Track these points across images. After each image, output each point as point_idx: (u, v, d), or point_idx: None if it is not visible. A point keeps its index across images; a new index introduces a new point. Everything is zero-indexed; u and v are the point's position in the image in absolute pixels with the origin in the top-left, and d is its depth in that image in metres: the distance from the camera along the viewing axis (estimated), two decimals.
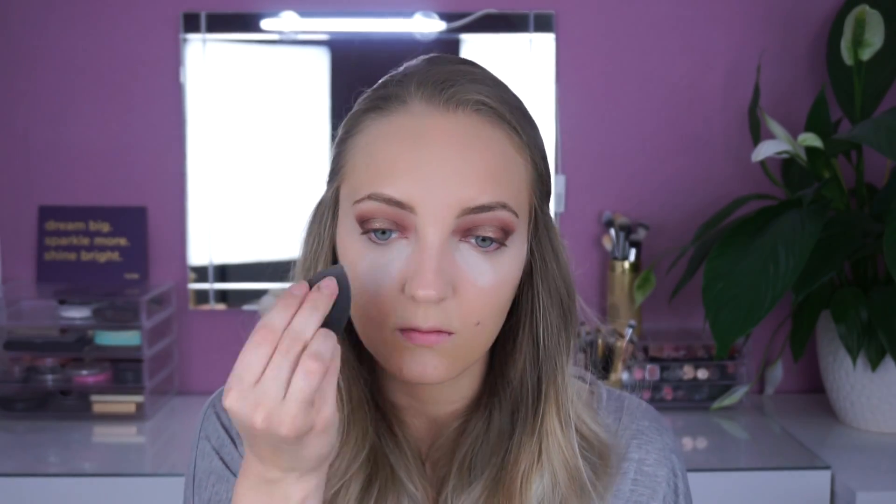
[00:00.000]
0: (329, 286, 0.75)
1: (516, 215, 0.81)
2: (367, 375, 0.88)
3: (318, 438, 0.74)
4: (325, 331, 0.73)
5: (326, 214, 0.86)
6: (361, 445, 0.86)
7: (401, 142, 0.80)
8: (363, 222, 0.80)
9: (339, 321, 0.76)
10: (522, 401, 0.87)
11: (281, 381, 0.71)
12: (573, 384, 0.89)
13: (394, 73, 0.86)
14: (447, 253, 0.79)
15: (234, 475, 0.90)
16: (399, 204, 0.78)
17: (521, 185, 0.82)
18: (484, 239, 0.80)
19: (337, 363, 0.73)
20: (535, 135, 0.84)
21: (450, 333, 0.80)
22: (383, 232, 0.80)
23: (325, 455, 0.76)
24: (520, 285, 0.85)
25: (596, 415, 0.91)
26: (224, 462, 0.91)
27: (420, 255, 0.78)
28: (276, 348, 0.72)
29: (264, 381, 0.71)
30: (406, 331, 0.80)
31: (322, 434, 0.74)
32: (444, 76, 0.82)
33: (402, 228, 0.79)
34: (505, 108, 0.82)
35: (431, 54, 0.86)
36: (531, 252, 0.85)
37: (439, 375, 0.81)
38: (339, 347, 0.74)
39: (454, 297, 0.79)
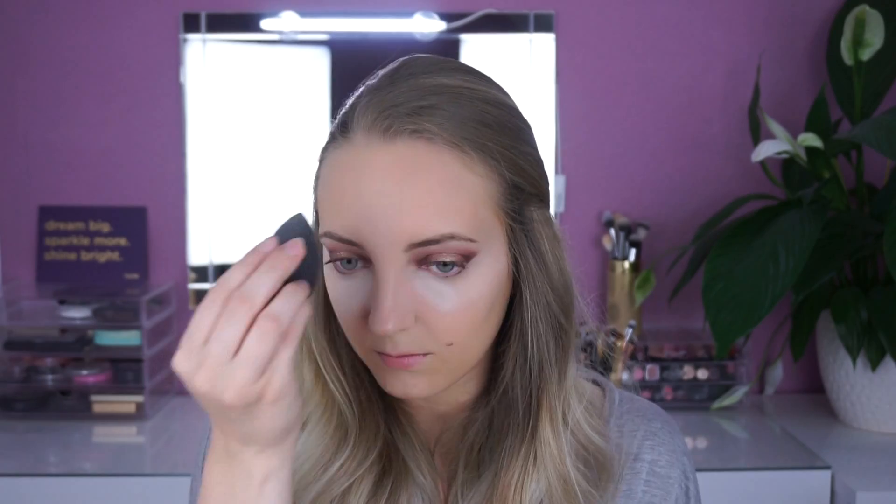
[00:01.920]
0: (294, 248, 0.72)
1: (472, 240, 0.78)
2: None
3: (270, 410, 0.71)
4: (290, 289, 0.70)
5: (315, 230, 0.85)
6: (373, 443, 0.86)
7: (343, 177, 0.79)
8: (329, 252, 0.80)
9: (309, 276, 0.72)
10: (513, 406, 0.86)
11: (224, 341, 0.68)
12: (577, 390, 0.88)
13: (357, 87, 0.84)
14: (404, 284, 0.78)
15: None
16: (349, 242, 0.78)
17: (477, 206, 0.78)
18: (445, 264, 0.78)
19: (298, 329, 0.71)
20: (504, 144, 0.80)
21: (424, 354, 0.79)
22: (349, 261, 0.79)
23: (283, 428, 0.73)
24: (512, 294, 0.84)
25: (598, 422, 0.90)
26: None
27: (376, 291, 0.77)
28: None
29: (210, 341, 0.69)
30: (381, 354, 0.80)
31: (274, 405, 0.71)
32: (389, 102, 0.78)
33: (363, 259, 0.79)
34: (451, 127, 0.77)
35: (398, 63, 0.83)
36: (515, 262, 0.82)
37: (421, 392, 0.81)
38: (305, 311, 0.71)
39: (420, 324, 0.78)
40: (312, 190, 0.85)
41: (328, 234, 0.79)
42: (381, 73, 0.83)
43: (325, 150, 0.82)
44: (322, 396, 0.87)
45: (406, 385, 0.81)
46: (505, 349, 0.85)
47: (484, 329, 0.82)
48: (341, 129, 0.81)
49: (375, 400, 0.87)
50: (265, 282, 0.70)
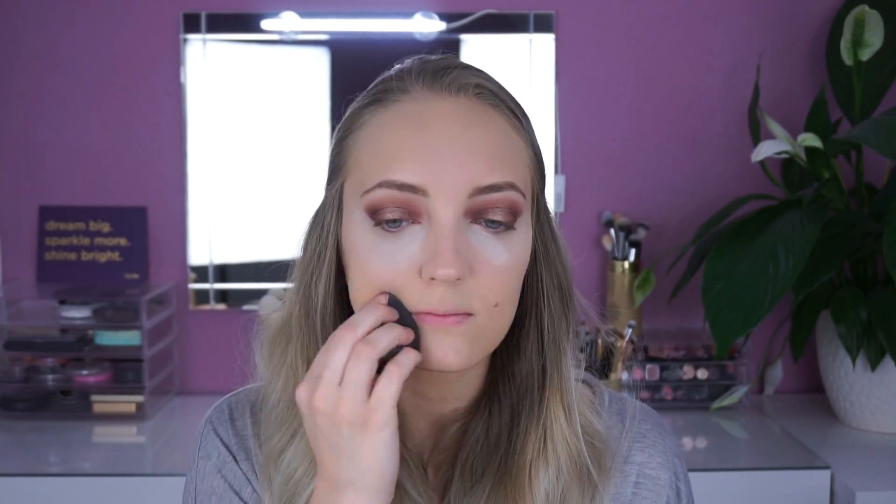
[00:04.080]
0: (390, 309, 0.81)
1: (524, 196, 0.83)
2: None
3: (375, 438, 0.77)
4: (388, 325, 0.79)
5: (329, 214, 0.86)
6: None
7: (406, 127, 0.81)
8: (374, 213, 0.81)
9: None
10: (528, 390, 0.87)
11: (331, 368, 0.78)
12: (575, 382, 0.89)
13: (387, 72, 0.87)
14: (461, 233, 0.80)
15: (236, 494, 0.90)
16: (412, 188, 0.79)
17: (524, 168, 0.84)
18: (493, 222, 0.81)
19: (402, 367, 0.78)
20: (530, 126, 0.87)
21: (468, 314, 0.80)
22: (395, 221, 0.80)
23: (384, 469, 0.78)
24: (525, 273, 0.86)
25: (594, 410, 0.91)
26: (226, 480, 0.91)
27: (436, 236, 0.79)
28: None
29: (322, 370, 0.78)
30: (425, 314, 0.80)
31: (379, 433, 0.77)
32: (443, 65, 0.84)
33: (413, 214, 0.80)
34: (503, 94, 0.85)
35: (424, 55, 0.88)
36: (535, 238, 0.86)
37: (460, 361, 0.81)
38: (412, 355, 0.79)
39: (471, 278, 0.80)
40: (337, 165, 0.86)
41: (386, 184, 0.80)
42: (410, 60, 0.87)
43: (360, 116, 0.84)
44: None
45: (446, 351, 0.80)
46: (518, 334, 0.87)
47: (516, 298, 0.84)
48: (385, 93, 0.83)
49: None
50: (366, 317, 0.79)
